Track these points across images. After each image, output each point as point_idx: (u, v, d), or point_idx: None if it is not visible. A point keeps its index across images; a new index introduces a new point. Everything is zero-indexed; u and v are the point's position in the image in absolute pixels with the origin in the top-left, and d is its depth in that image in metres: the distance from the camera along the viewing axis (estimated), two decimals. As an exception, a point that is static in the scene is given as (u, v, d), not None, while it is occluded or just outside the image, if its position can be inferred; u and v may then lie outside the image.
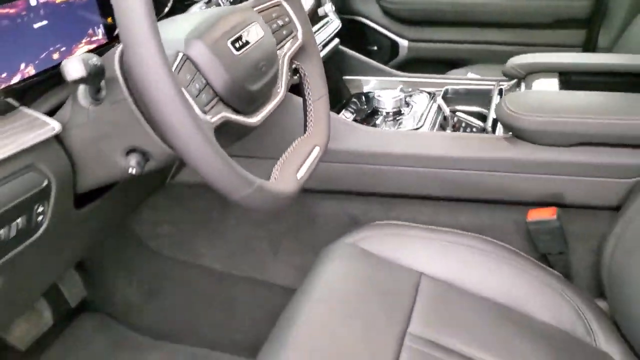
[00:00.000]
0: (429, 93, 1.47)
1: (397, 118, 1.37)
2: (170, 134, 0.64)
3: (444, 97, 1.48)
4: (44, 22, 0.86)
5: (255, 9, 0.89)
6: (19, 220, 0.77)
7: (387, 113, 1.37)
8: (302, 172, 0.84)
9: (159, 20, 0.91)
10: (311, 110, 0.95)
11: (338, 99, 1.52)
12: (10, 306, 0.87)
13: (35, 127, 0.78)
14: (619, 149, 1.08)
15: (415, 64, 2.21)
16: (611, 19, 1.98)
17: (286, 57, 0.91)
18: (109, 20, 0.97)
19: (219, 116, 0.72)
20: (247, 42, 0.79)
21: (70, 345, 1.36)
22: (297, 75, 0.98)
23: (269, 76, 0.84)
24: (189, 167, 0.70)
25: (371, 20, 2.23)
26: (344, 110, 1.45)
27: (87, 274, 1.44)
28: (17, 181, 0.76)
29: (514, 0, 2.05)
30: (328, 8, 1.48)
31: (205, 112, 0.70)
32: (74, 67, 0.65)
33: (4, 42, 0.79)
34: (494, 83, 1.47)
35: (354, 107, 1.45)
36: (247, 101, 0.79)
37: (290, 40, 0.94)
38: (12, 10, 0.80)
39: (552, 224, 1.09)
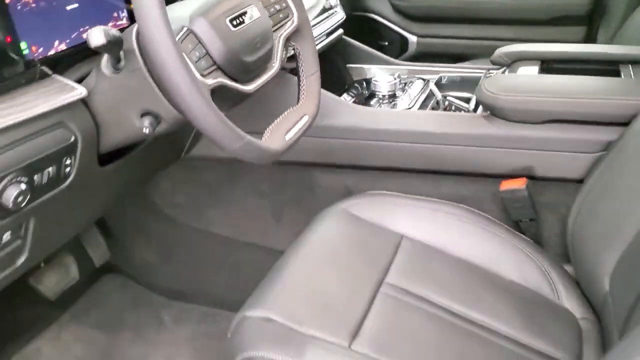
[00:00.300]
0: (424, 80, 1.59)
1: (392, 101, 1.49)
2: (173, 92, 0.78)
3: (439, 84, 1.60)
4: (75, 5, 1.02)
5: (254, -5, 1.03)
6: (50, 169, 0.92)
7: (383, 96, 1.50)
8: (290, 135, 0.97)
9: (175, 1, 1.06)
10: (304, 85, 1.09)
11: (341, 84, 1.65)
12: (40, 246, 1.02)
13: (65, 91, 0.93)
14: (584, 126, 1.19)
15: (423, 57, 2.33)
16: (610, 15, 2.07)
17: (282, 37, 1.05)
18: (131, 5, 1.12)
19: (215, 80, 0.86)
20: (243, 21, 0.93)
21: (94, 301, 1.52)
22: (293, 55, 1.12)
23: (263, 51, 0.97)
24: (191, 123, 0.84)
25: (383, 17, 2.36)
26: (345, 94, 1.58)
27: (111, 238, 1.60)
28: (49, 135, 0.90)
29: (515, -2, 2.17)
30: (333, 1, 1.62)
31: (203, 76, 0.84)
32: (97, 35, 0.79)
33: (41, 22, 0.94)
34: (484, 70, 1.58)
35: (355, 91, 1.58)
36: (243, 71, 0.93)
37: (287, 23, 1.07)
38: (48, -6, 0.96)
39: (521, 193, 1.21)
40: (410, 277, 1.09)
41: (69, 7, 1.01)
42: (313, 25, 1.52)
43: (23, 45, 0.92)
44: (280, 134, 0.96)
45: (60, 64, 0.98)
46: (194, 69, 0.81)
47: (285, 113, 1.03)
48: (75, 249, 1.49)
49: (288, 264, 1.07)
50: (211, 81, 0.85)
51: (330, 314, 0.96)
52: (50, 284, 1.38)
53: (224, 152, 0.86)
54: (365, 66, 1.74)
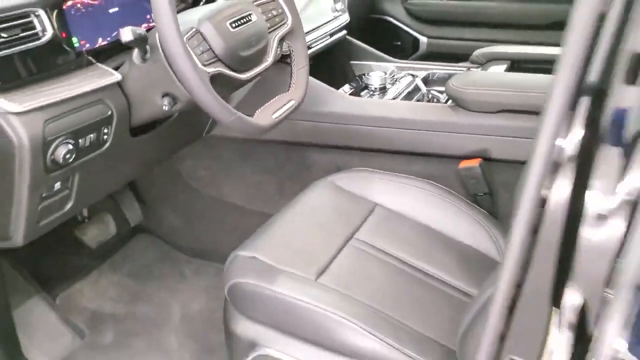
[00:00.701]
0: (413, 75, 1.82)
1: (382, 93, 1.74)
2: (180, 77, 1.05)
3: (429, 80, 1.83)
4: (116, 9, 1.30)
5: (255, 3, 1.29)
6: (91, 135, 1.20)
7: (375, 88, 1.75)
8: (276, 115, 1.23)
9: (194, 7, 1.32)
10: (294, 75, 1.34)
11: (344, 77, 1.90)
12: (83, 197, 1.30)
13: (105, 75, 1.21)
14: (532, 116, 1.41)
15: (433, 57, 2.55)
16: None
17: (277, 37, 1.31)
18: (160, 9, 1.39)
19: (215, 69, 1.12)
20: (241, 23, 1.19)
21: (128, 255, 1.81)
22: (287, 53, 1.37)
23: (258, 47, 1.23)
24: (196, 102, 1.10)
25: (396, 20, 2.59)
26: (345, 86, 1.83)
27: (144, 204, 1.89)
28: (91, 109, 1.18)
29: (519, 3, 2.36)
30: (340, 6, 1.87)
31: (205, 65, 1.10)
32: (126, 33, 1.07)
33: (89, 22, 1.23)
34: (465, 68, 1.80)
35: (355, 84, 1.83)
36: (240, 62, 1.19)
37: (282, 25, 1.33)
38: (96, 2, 1.24)
39: (475, 170, 1.43)
40: (377, 235, 1.33)
41: (111, 11, 1.29)
42: (319, 27, 1.77)
43: (74, 40, 1.20)
44: (269, 113, 1.22)
45: (102, 55, 1.26)
46: (196, 60, 1.08)
47: (276, 98, 1.29)
48: (114, 211, 1.78)
49: (277, 220, 1.33)
50: (211, 69, 1.11)
51: (304, 256, 1.21)
52: (92, 235, 1.68)
53: (238, 133, 1.11)
54: (366, 63, 1.99)
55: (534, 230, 0.60)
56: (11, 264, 1.51)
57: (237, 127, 1.14)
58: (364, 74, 1.87)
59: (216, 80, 1.13)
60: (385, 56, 2.02)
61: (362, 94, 1.75)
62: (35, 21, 1.10)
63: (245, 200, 1.77)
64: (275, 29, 1.31)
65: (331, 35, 1.82)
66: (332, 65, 1.90)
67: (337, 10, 1.85)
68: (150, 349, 1.52)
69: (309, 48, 1.72)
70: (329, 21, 1.82)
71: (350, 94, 1.70)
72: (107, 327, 1.58)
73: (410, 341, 1.02)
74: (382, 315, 1.08)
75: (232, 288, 1.16)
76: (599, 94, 0.58)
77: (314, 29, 1.71)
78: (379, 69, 1.90)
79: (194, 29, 1.13)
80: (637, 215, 0.54)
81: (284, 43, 1.35)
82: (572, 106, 0.58)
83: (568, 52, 0.54)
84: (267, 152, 1.71)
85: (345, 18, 1.90)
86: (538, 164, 0.57)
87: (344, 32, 1.92)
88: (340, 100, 1.60)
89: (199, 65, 1.08)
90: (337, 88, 1.76)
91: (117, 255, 1.79)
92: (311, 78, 1.63)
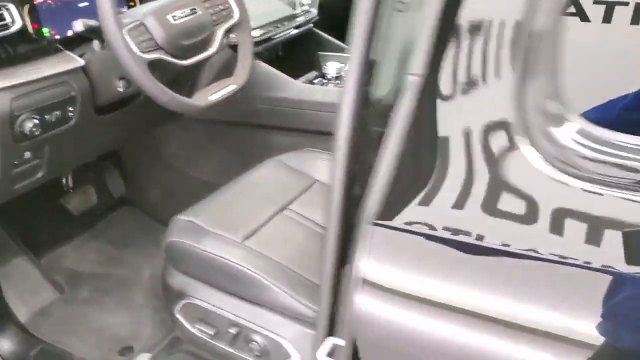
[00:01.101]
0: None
1: (337, 82, 1.89)
2: (120, 61, 1.23)
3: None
4: (86, 3, 1.49)
5: (203, -1, 1.46)
6: (57, 112, 1.39)
7: (331, 77, 1.90)
8: (214, 96, 1.40)
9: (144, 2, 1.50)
10: (239, 63, 1.51)
11: (310, 66, 2.06)
12: (54, 167, 1.50)
13: (70, 61, 1.41)
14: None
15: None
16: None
17: (222, 28, 1.47)
18: (131, 3, 1.58)
19: (154, 55, 1.30)
20: (184, 16, 1.37)
21: (110, 225, 2.02)
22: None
23: (200, 37, 1.40)
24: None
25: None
26: (310, 74, 1.99)
27: (128, 179, 2.10)
28: (56, 90, 1.37)
29: None
30: (306, 1, 2.03)
31: (144, 52, 1.28)
32: (78, 25, 1.26)
33: (59, 14, 1.42)
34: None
35: (318, 72, 1.99)
36: (181, 50, 1.36)
37: (228, 19, 1.50)
38: (66, -4, 1.43)
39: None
40: (309, 206, 1.48)
41: (81, 5, 1.49)
42: (282, 20, 1.95)
43: (45, 30, 1.40)
44: (206, 95, 1.40)
45: (70, 44, 1.46)
46: (134, 47, 1.25)
47: (219, 82, 1.46)
48: (98, 183, 1.99)
49: (222, 190, 1.51)
50: (151, 56, 1.29)
51: (236, 221, 1.37)
52: (75, 204, 1.90)
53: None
54: (332, 54, 2.14)
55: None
56: (1, 226, 1.73)
57: (174, 106, 1.32)
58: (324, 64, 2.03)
59: (158, 65, 1.31)
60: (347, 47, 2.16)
61: (315, 81, 1.91)
62: (5, 14, 1.30)
63: (215, 177, 1.95)
64: (221, 22, 1.48)
65: (296, 27, 1.98)
66: (300, 55, 2.07)
67: (303, 4, 2.02)
68: (119, 305, 1.72)
69: (271, 39, 1.89)
70: (294, 16, 1.99)
71: (304, 82, 1.86)
72: (84, 285, 1.78)
73: (303, 290, 1.19)
74: (289, 271, 1.24)
75: (168, 246, 1.34)
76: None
77: (271, 22, 1.89)
78: (343, 60, 2.05)
79: (138, 21, 1.31)
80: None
81: (231, 35, 1.52)
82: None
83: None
84: (233, 134, 1.89)
85: (313, 13, 2.06)
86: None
87: (310, 25, 2.08)
88: (293, 86, 1.76)
89: (137, 51, 1.26)
90: (303, 75, 1.93)
91: (101, 224, 2.00)
92: (270, 67, 1.81)
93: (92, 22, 1.28)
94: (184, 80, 1.60)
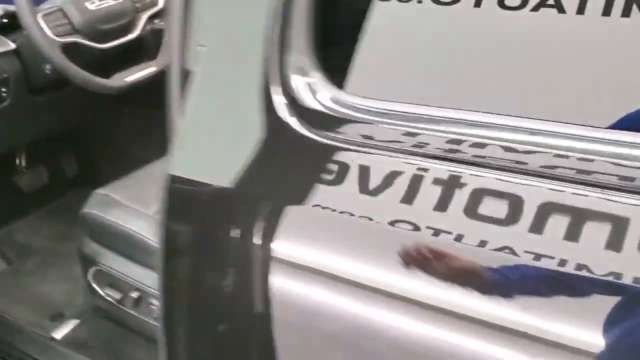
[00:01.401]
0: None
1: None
2: (36, 45, 1.33)
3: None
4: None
5: (128, -12, 1.56)
6: (-10, 95, 1.50)
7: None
8: (131, 77, 1.50)
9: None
10: (162, 47, 1.60)
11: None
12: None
13: (2, 45, 1.51)
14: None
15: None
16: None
17: (146, 15, 1.57)
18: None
19: (70, 39, 1.40)
20: (101, 4, 1.46)
21: (64, 203, 2.12)
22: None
23: (120, 22, 1.50)
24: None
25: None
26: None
27: (84, 161, 2.20)
28: (-10, 72, 1.48)
29: None
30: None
31: (60, 36, 1.38)
32: (-4, 10, 1.36)
33: (-7, 2, 1.53)
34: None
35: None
36: (99, 34, 1.46)
37: (152, 7, 1.59)
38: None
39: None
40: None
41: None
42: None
43: (-21, 16, 1.52)
44: (123, 76, 1.49)
45: (5, 29, 1.56)
46: (47, 30, 1.35)
47: (141, 65, 1.56)
48: (51, 163, 2.11)
49: (147, 167, 1.60)
50: (65, 39, 1.39)
51: (149, 196, 1.46)
52: (27, 182, 2.01)
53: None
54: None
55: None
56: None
57: (89, 86, 1.41)
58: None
59: (76, 48, 1.41)
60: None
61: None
62: (-64, 1, 1.42)
63: (160, 159, 2.05)
64: (145, 9, 1.58)
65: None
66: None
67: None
68: (60, 276, 1.83)
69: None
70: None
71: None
72: (32, 258, 1.89)
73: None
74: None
75: (82, 216, 1.44)
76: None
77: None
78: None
79: (55, 7, 1.41)
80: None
81: (157, 20, 1.61)
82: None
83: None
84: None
85: None
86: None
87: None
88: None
89: (50, 35, 1.36)
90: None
91: (55, 203, 2.11)
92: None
93: (11, 8, 1.39)
94: (105, 64, 1.70)
